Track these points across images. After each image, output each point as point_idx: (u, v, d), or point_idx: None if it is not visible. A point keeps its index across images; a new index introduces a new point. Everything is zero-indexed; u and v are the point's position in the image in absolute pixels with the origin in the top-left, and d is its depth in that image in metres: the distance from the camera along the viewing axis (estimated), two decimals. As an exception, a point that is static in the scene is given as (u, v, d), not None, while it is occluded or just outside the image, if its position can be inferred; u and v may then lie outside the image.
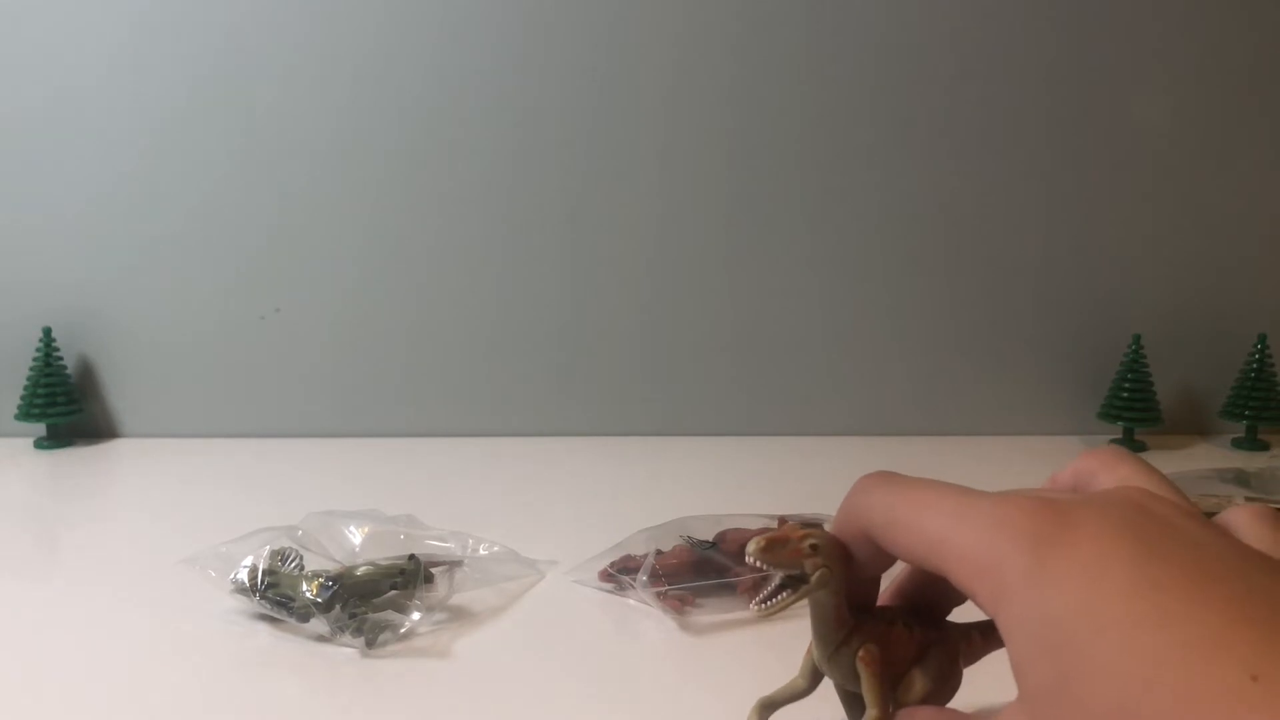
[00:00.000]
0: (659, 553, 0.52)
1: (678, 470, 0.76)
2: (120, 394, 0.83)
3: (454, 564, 0.50)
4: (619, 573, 0.52)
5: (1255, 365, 0.80)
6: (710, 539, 0.53)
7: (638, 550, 0.53)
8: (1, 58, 0.78)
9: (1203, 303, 0.85)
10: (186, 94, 0.79)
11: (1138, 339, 0.81)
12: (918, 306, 0.84)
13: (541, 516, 0.65)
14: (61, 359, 0.80)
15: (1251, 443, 0.82)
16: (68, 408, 0.79)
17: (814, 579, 0.30)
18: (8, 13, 0.77)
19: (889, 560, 0.30)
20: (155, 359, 0.82)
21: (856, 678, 0.31)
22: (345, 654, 0.45)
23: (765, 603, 0.31)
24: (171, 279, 0.81)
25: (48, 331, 0.79)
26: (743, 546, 0.51)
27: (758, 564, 0.30)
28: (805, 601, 0.31)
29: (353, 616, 0.45)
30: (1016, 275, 0.84)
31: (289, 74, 0.79)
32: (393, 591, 0.48)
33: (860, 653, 0.31)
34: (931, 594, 0.33)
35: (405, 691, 0.42)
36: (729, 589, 0.50)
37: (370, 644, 0.45)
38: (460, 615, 0.49)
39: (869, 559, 0.30)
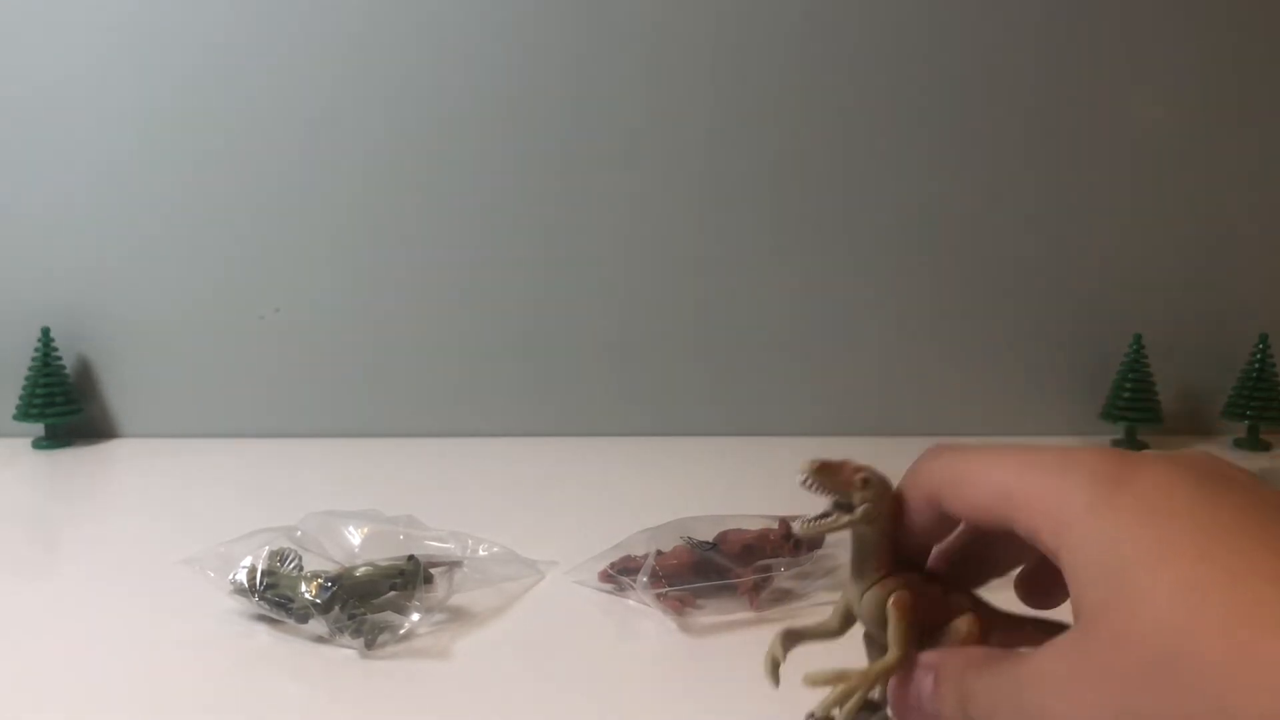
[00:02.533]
0: (659, 553, 0.51)
1: (678, 470, 0.76)
2: (119, 394, 0.83)
3: (454, 564, 0.50)
4: (619, 573, 0.52)
5: (1257, 365, 0.80)
6: (710, 539, 0.53)
7: (638, 551, 0.53)
8: None
9: (1203, 303, 0.85)
10: (184, 94, 0.79)
11: (1138, 339, 0.81)
12: (918, 307, 0.84)
13: (541, 516, 0.65)
14: (60, 359, 0.80)
15: (1253, 443, 0.82)
16: (66, 408, 0.79)
17: (859, 511, 0.30)
18: (1, 13, 0.77)
19: (947, 527, 0.31)
20: (155, 359, 0.82)
21: (883, 621, 0.31)
22: (344, 654, 0.45)
23: (812, 521, 0.31)
24: (170, 279, 0.81)
25: (46, 331, 0.79)
26: (744, 547, 0.51)
27: (807, 481, 0.30)
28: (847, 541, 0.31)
29: (352, 617, 0.45)
30: (1017, 276, 0.84)
31: (287, 75, 0.79)
32: (392, 592, 0.47)
33: (893, 597, 0.31)
34: (974, 563, 0.33)
35: (405, 692, 0.42)
36: (729, 590, 0.50)
37: (369, 645, 0.45)
38: (460, 616, 0.49)
39: (929, 524, 0.31)
